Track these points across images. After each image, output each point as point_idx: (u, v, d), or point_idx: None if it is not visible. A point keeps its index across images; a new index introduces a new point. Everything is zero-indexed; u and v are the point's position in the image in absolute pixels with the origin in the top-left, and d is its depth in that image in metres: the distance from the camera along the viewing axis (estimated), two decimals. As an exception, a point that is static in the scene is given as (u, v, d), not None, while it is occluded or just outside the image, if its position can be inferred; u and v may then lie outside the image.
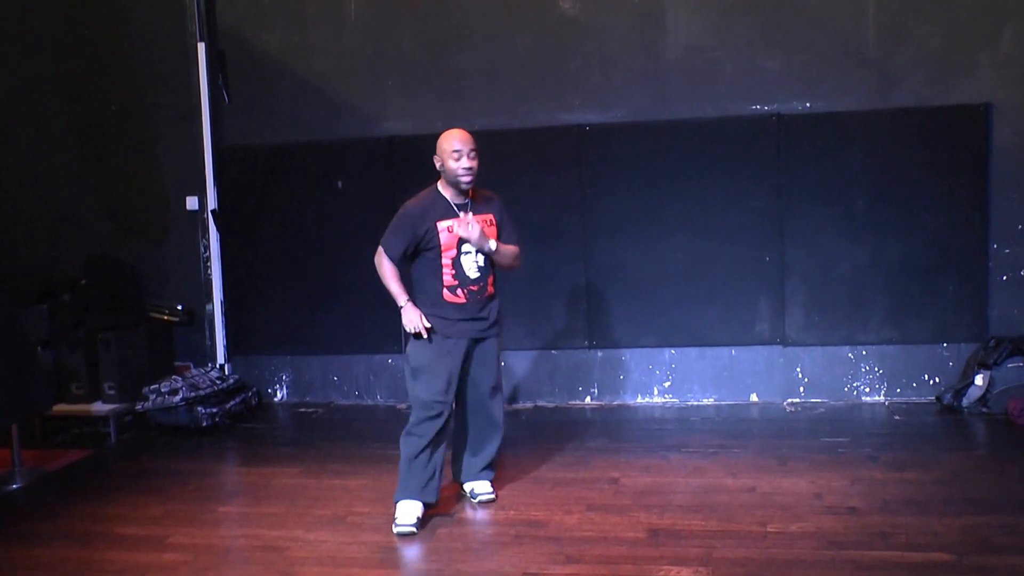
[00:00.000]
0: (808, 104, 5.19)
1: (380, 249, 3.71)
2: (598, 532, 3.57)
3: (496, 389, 3.87)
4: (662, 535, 3.51)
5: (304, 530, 3.73)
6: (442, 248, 3.63)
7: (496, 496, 3.95)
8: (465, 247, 3.64)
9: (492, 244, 3.65)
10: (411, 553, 3.49)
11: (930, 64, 5.07)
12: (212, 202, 5.77)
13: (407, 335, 3.73)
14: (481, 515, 3.83)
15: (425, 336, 3.63)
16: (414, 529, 3.62)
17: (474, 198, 3.71)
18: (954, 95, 5.04)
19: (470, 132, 3.67)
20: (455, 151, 3.57)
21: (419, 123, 5.49)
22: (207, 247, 5.79)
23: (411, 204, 3.68)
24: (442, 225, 3.63)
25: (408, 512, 3.65)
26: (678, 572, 3.20)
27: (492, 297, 3.79)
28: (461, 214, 3.61)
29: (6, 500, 4.32)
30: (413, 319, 3.62)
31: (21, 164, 5.98)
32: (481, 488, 3.94)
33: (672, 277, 5.36)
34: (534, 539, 3.55)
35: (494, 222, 3.73)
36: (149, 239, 5.91)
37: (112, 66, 5.85)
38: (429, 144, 3.73)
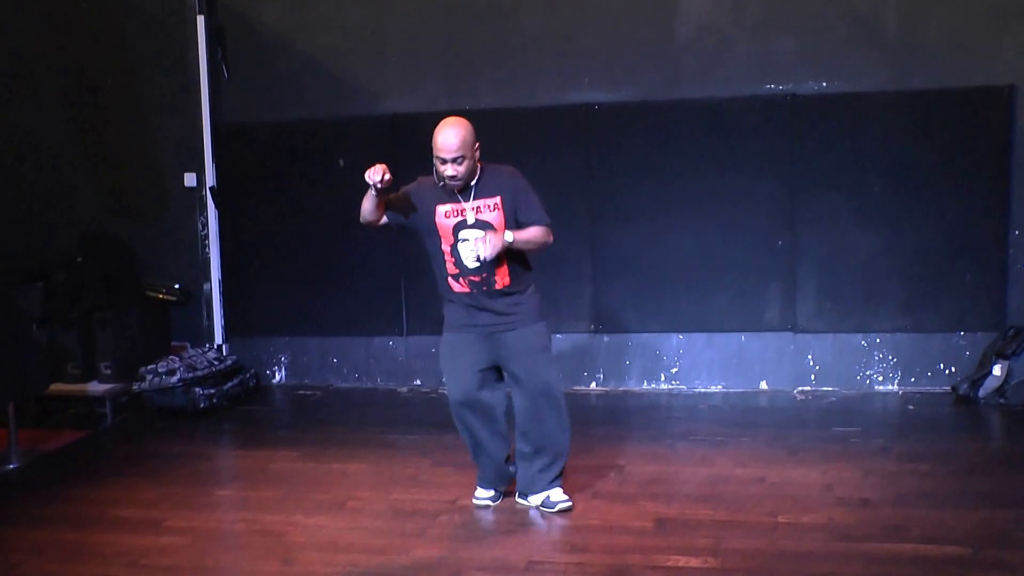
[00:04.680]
0: (824, 84, 5.08)
1: None
2: (604, 521, 3.52)
3: (547, 386, 3.51)
4: (669, 525, 3.45)
5: (303, 515, 3.67)
6: (440, 235, 3.48)
7: (571, 504, 3.60)
8: (462, 234, 3.43)
9: (509, 237, 3.37)
10: (414, 540, 3.41)
11: (951, 44, 4.95)
12: (211, 179, 5.67)
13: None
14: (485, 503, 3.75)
15: (379, 184, 3.28)
16: (489, 503, 3.70)
17: (481, 177, 3.49)
18: (976, 77, 4.92)
19: (469, 117, 3.45)
20: (438, 157, 3.38)
21: (422, 101, 5.38)
22: (205, 225, 5.70)
23: (424, 178, 3.56)
24: (440, 209, 3.46)
25: (482, 494, 3.73)
26: (686, 562, 3.14)
27: (509, 289, 3.48)
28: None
29: (2, 480, 4.28)
30: (373, 168, 3.30)
31: (15, 140, 5.88)
32: (556, 497, 3.61)
33: (680, 261, 5.27)
34: (539, 527, 3.50)
35: (499, 206, 3.44)
36: (146, 216, 5.82)
37: (108, 40, 5.73)
38: (432, 122, 3.57)
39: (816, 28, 5.07)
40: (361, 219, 3.51)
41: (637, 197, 5.27)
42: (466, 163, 3.37)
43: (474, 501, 3.72)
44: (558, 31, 5.29)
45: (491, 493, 3.71)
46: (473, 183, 3.46)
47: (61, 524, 3.68)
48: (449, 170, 3.37)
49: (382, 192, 3.37)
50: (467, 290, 3.49)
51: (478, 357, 3.51)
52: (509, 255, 3.46)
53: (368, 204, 3.44)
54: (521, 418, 3.59)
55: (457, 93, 5.28)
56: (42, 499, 3.98)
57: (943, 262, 5.05)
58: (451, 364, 3.56)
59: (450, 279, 3.50)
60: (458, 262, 3.46)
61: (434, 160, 3.41)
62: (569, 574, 3.11)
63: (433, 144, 3.39)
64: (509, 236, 3.38)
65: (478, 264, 3.42)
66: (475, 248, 3.37)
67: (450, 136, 3.35)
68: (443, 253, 3.49)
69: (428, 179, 3.53)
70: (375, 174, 3.30)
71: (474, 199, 3.46)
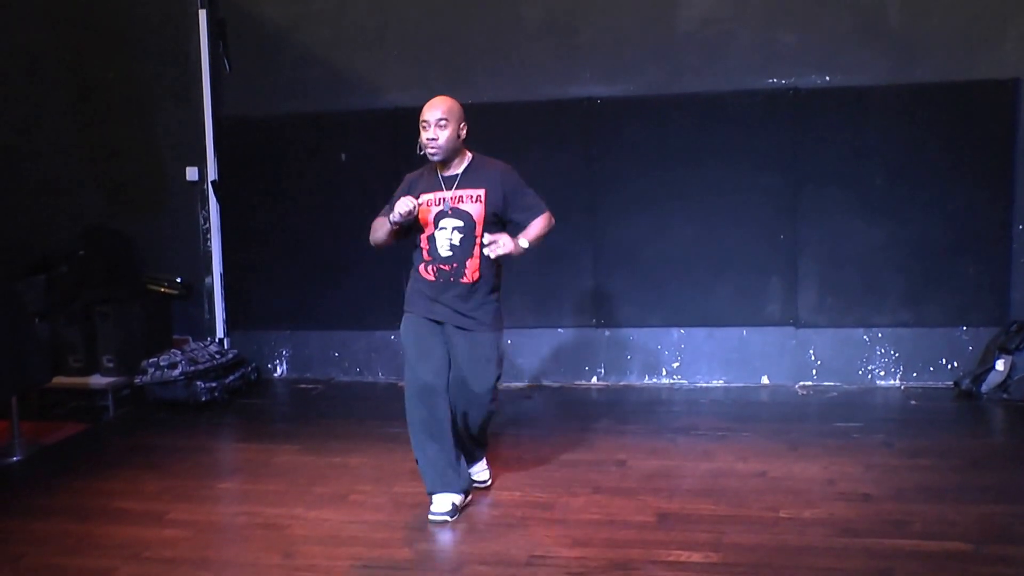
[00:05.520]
0: (827, 78, 5.05)
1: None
2: (605, 515, 3.51)
3: (481, 399, 3.50)
4: (671, 519, 3.45)
5: (305, 508, 3.67)
6: (420, 223, 3.45)
7: (489, 481, 3.78)
8: (442, 223, 3.39)
9: (523, 243, 3.37)
10: (415, 534, 3.41)
11: (954, 37, 4.92)
12: (212, 173, 5.66)
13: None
14: (486, 497, 3.74)
15: (412, 208, 3.31)
16: (447, 517, 3.46)
17: (470, 167, 3.42)
18: (980, 70, 4.89)
19: (471, 111, 3.44)
20: (423, 121, 3.36)
21: (424, 94, 5.17)
22: (207, 219, 5.70)
23: (409, 174, 3.58)
24: (424, 198, 3.41)
25: (440, 502, 3.48)
26: (688, 557, 3.13)
27: (477, 285, 3.42)
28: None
29: (5, 472, 4.29)
30: (402, 202, 3.33)
31: (17, 134, 5.87)
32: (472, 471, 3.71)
33: (682, 255, 5.26)
34: (540, 521, 3.49)
35: (482, 199, 3.38)
36: (147, 210, 5.82)
37: (110, 33, 5.72)
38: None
39: (819, 21, 5.04)
40: (372, 242, 3.52)
41: (638, 191, 5.25)
42: (448, 131, 3.33)
43: (431, 517, 3.45)
44: (559, 24, 5.27)
45: (448, 507, 3.46)
46: (459, 171, 3.43)
47: (64, 516, 3.68)
48: (430, 132, 3.32)
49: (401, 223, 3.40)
50: (434, 279, 3.45)
51: (441, 339, 3.48)
52: (476, 246, 3.39)
53: (381, 233, 3.47)
54: (460, 409, 3.57)
55: (458, 87, 5.24)
56: (45, 491, 3.98)
57: (946, 256, 5.04)
58: (418, 345, 3.45)
59: (421, 266, 3.48)
60: (432, 249, 3.42)
61: (420, 134, 3.38)
62: (570, 568, 3.10)
63: (420, 115, 3.37)
64: (524, 242, 3.38)
65: (451, 254, 3.40)
66: (487, 249, 3.32)
67: (436, 101, 3.37)
68: (420, 241, 3.46)
69: (412, 173, 3.54)
70: (403, 209, 3.30)
71: (457, 188, 3.41)
